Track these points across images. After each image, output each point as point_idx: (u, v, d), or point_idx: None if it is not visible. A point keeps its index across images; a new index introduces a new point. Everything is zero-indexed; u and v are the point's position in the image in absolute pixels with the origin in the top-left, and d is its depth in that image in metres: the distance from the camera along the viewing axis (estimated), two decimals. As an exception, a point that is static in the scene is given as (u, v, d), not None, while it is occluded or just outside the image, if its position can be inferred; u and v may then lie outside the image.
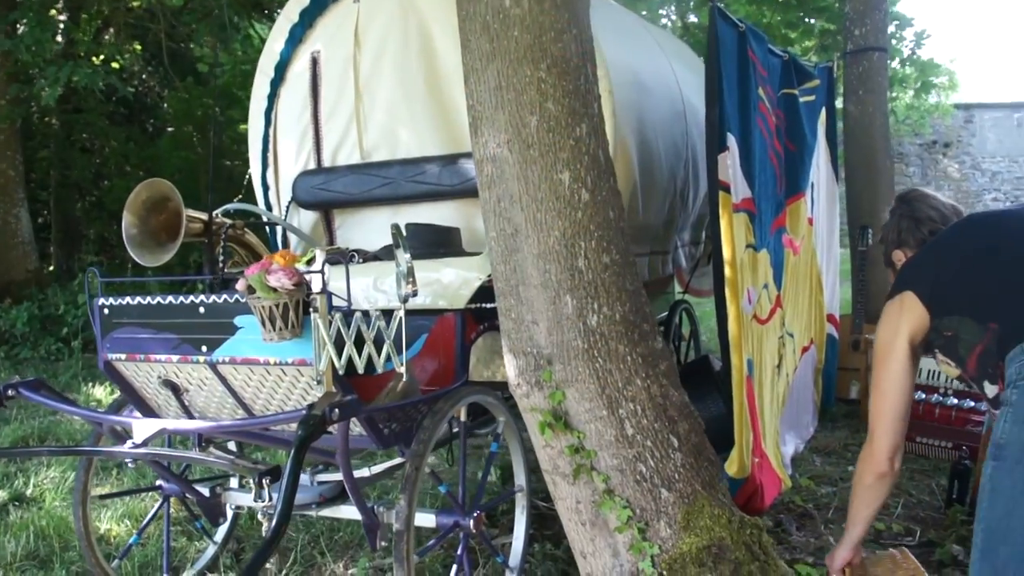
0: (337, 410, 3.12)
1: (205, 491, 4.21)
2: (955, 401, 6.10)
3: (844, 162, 8.48)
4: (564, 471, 3.26)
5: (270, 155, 5.74)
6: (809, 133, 6.37)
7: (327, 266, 3.45)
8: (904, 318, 2.96)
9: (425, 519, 3.91)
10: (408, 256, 3.31)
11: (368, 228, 5.51)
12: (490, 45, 3.12)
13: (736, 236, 4.91)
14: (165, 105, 17.66)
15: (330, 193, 5.40)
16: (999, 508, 2.38)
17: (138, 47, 16.07)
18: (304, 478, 4.06)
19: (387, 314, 4.22)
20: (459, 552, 3.86)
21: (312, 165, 5.61)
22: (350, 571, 4.65)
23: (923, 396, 6.21)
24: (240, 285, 3.39)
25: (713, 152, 4.73)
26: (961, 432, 5.96)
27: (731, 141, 4.84)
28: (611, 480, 3.23)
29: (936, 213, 3.33)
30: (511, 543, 4.35)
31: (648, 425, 3.24)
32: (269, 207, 5.76)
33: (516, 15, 3.07)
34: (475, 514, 3.84)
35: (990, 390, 2.61)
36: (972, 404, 6.03)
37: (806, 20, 10.15)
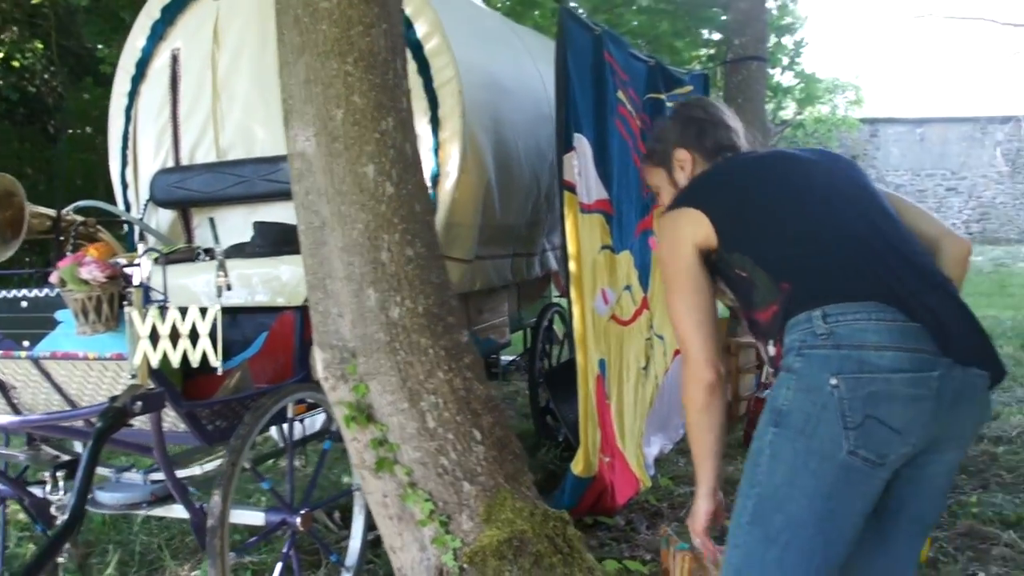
0: (140, 402, 3.07)
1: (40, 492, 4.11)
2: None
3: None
4: (370, 464, 3.24)
5: (130, 152, 5.65)
6: (677, 138, 6.44)
7: (146, 260, 3.41)
8: (690, 228, 2.54)
9: (253, 517, 3.87)
10: (220, 250, 3.30)
11: (225, 226, 5.45)
12: (300, 38, 3.11)
13: (586, 236, 4.96)
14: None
15: (186, 191, 5.34)
16: (778, 476, 2.29)
17: (40, 45, 15.72)
18: (137, 476, 4.00)
19: (231, 311, 4.18)
20: (285, 550, 3.82)
21: (171, 163, 5.54)
22: (193, 573, 4.58)
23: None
24: (53, 278, 3.34)
25: (559, 152, 4.76)
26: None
27: (579, 142, 4.89)
28: (414, 473, 3.22)
29: (736, 127, 2.91)
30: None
31: (450, 418, 3.23)
32: (128, 205, 5.67)
33: (325, 8, 3.06)
34: (302, 511, 3.80)
35: (772, 350, 2.49)
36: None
37: (694, 30, 10.29)
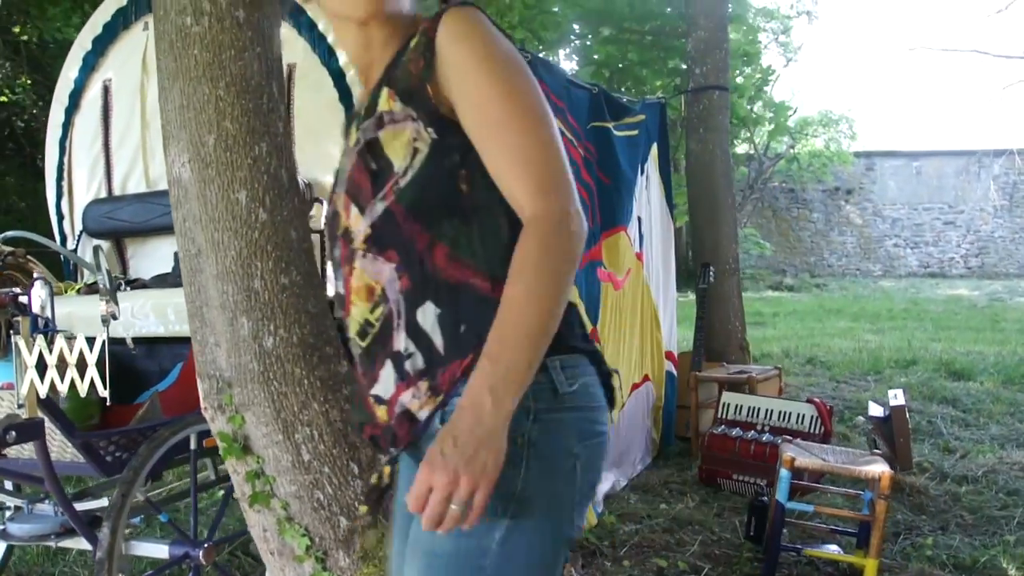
0: (13, 432, 2.98)
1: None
2: (770, 438, 6.06)
3: (687, 200, 8.53)
4: (247, 497, 3.13)
5: (65, 183, 5.59)
6: (628, 167, 6.36)
7: (38, 287, 3.32)
8: None
9: (157, 550, 3.76)
10: (106, 278, 3.20)
11: (156, 257, 5.38)
12: (174, 64, 3.01)
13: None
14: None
15: (117, 222, 5.26)
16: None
17: (28, 82, 15.79)
18: (48, 508, 3.92)
19: (148, 341, 4.09)
20: None
21: (103, 194, 5.47)
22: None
23: (740, 433, 6.18)
24: (-54, 307, 3.28)
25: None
26: (772, 468, 5.92)
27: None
28: (291, 507, 3.08)
29: None
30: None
31: (326, 451, 3.08)
32: (64, 236, 5.60)
33: (196, 33, 2.97)
34: (205, 545, 3.70)
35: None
36: (788, 440, 6.02)
37: (660, 59, 10.26)
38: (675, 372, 7.51)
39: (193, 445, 3.78)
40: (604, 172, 6.05)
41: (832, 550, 4.87)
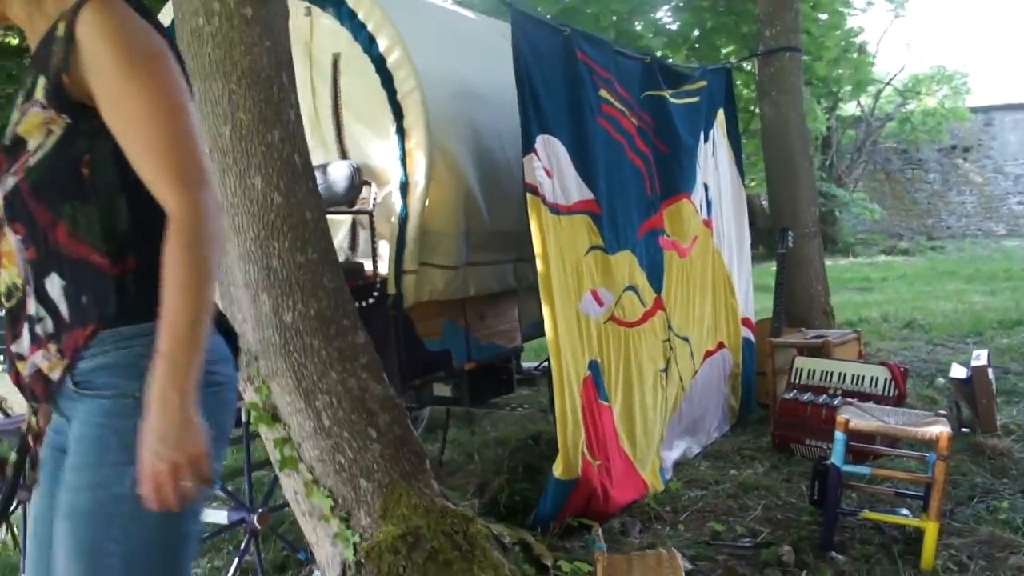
0: None
1: None
2: (841, 401, 5.97)
3: (765, 165, 8.40)
4: (277, 462, 3.33)
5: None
6: (687, 134, 6.35)
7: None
8: None
9: (217, 516, 4.05)
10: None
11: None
12: (192, 62, 3.23)
13: (565, 238, 4.93)
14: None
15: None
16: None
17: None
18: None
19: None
20: (242, 547, 4.00)
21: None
22: None
23: (812, 397, 6.12)
24: None
25: (522, 155, 4.75)
26: (842, 432, 5.86)
27: (547, 143, 4.85)
28: (315, 470, 3.31)
29: None
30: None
31: (345, 417, 3.30)
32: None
33: (208, 32, 3.18)
34: (260, 510, 3.93)
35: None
36: (861, 404, 5.93)
37: (735, 24, 10.09)
38: (753, 339, 7.46)
39: (244, 418, 3.96)
40: (662, 141, 6.05)
41: (903, 514, 4.78)
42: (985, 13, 61.52)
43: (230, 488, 4.15)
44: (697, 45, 11.31)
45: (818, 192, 22.08)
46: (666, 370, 5.94)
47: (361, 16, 5.02)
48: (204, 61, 3.21)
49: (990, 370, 6.47)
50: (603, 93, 5.41)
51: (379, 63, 4.95)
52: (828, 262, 20.58)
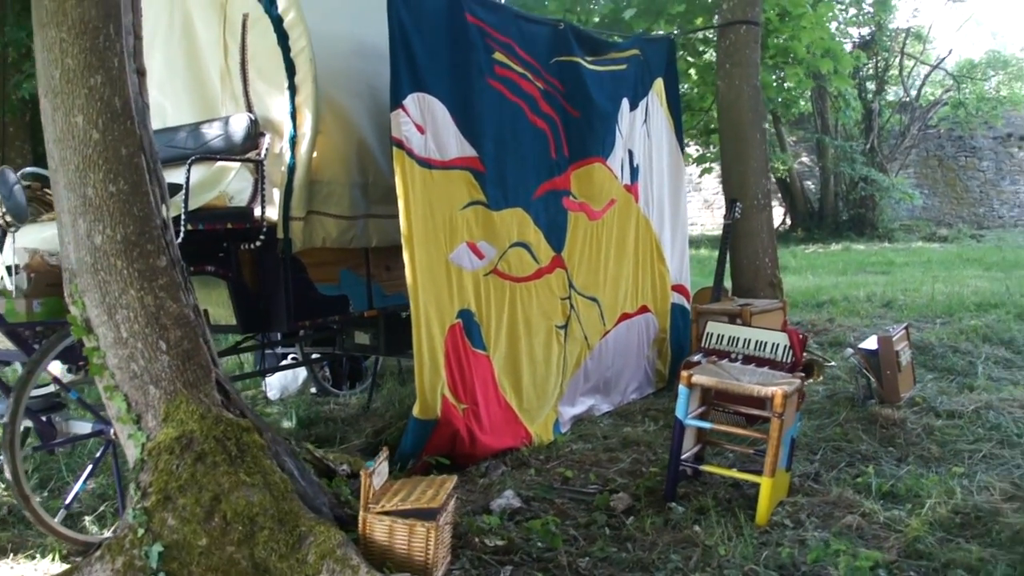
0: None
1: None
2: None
3: (719, 137, 8.50)
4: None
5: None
6: (605, 100, 6.52)
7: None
8: None
9: (81, 427, 4.47)
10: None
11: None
12: (36, 13, 3.69)
13: (437, 192, 5.19)
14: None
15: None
16: None
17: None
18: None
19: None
20: (98, 455, 4.42)
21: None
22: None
23: (715, 360, 6.26)
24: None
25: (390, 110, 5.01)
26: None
27: (420, 100, 5.10)
28: (115, 377, 3.72)
29: None
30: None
31: (140, 330, 3.68)
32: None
33: (46, -14, 3.60)
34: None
35: None
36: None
37: None
38: (687, 305, 7.61)
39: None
40: (572, 104, 6.24)
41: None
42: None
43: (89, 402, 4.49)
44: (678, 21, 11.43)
45: (860, 176, 22.06)
46: (565, 327, 6.15)
47: (264, -22, 5.33)
48: (42, 13, 3.65)
49: (903, 344, 6.56)
50: (498, 56, 5.62)
51: (277, 23, 5.25)
52: (861, 246, 20.57)
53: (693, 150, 21.08)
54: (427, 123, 5.14)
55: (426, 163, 5.12)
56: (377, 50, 5.55)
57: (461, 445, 5.18)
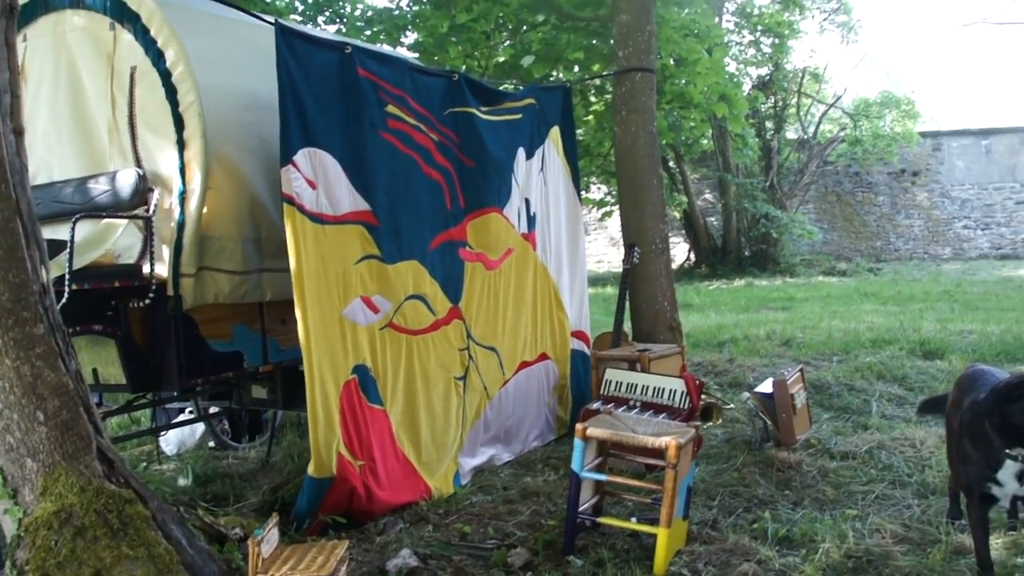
0: None
1: None
2: (637, 413, 6.18)
3: (617, 182, 8.61)
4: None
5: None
6: (500, 150, 6.55)
7: None
8: None
9: None
10: None
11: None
12: None
13: (330, 246, 5.15)
14: None
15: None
16: None
17: None
18: None
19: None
20: None
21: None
22: None
23: (612, 408, 6.29)
24: None
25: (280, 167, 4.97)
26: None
27: (312, 156, 5.08)
28: None
29: None
30: None
31: (16, 401, 3.55)
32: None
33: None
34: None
35: None
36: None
37: (599, 44, 10.35)
38: (587, 351, 7.65)
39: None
40: (466, 155, 6.25)
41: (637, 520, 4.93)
42: (934, 41, 62.07)
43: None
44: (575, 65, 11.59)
45: (761, 213, 22.55)
46: (464, 378, 6.13)
47: (152, 32, 5.28)
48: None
49: (797, 386, 6.67)
50: (391, 108, 5.62)
51: (165, 77, 5.19)
52: (763, 282, 20.98)
53: (598, 191, 21.34)
54: (319, 178, 5.11)
55: (318, 218, 5.08)
56: (269, 103, 5.50)
57: (358, 502, 5.12)
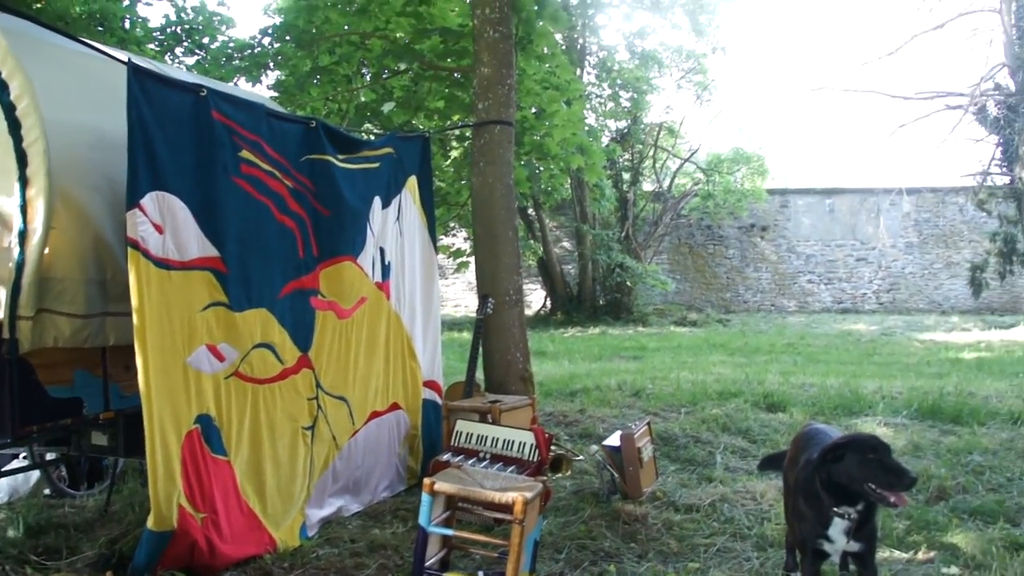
0: None
1: None
2: (487, 465, 6.19)
3: (473, 232, 8.65)
4: None
5: None
6: (356, 198, 6.51)
7: None
8: None
9: None
10: None
11: None
12: None
13: (175, 293, 5.02)
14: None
15: None
16: None
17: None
18: None
19: None
20: None
21: None
22: None
23: (462, 460, 6.29)
24: None
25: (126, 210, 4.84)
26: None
27: (159, 199, 4.97)
28: None
29: None
30: None
31: None
32: None
33: None
34: None
35: None
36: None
37: (461, 95, 10.49)
38: (439, 400, 7.64)
39: None
40: (322, 203, 6.19)
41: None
42: (784, 102, 65.14)
43: None
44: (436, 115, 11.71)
45: (616, 263, 23.03)
46: (312, 428, 6.04)
47: (-8, 63, 5.07)
48: None
49: (644, 440, 6.78)
50: (245, 154, 5.54)
51: (9, 110, 5.00)
52: (617, 330, 21.37)
53: (461, 239, 21.42)
54: (166, 222, 4.99)
55: (164, 264, 4.96)
56: (118, 142, 5.34)
57: (200, 556, 4.96)
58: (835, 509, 4.17)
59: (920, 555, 5.46)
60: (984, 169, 23.71)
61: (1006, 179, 23.42)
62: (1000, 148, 23.21)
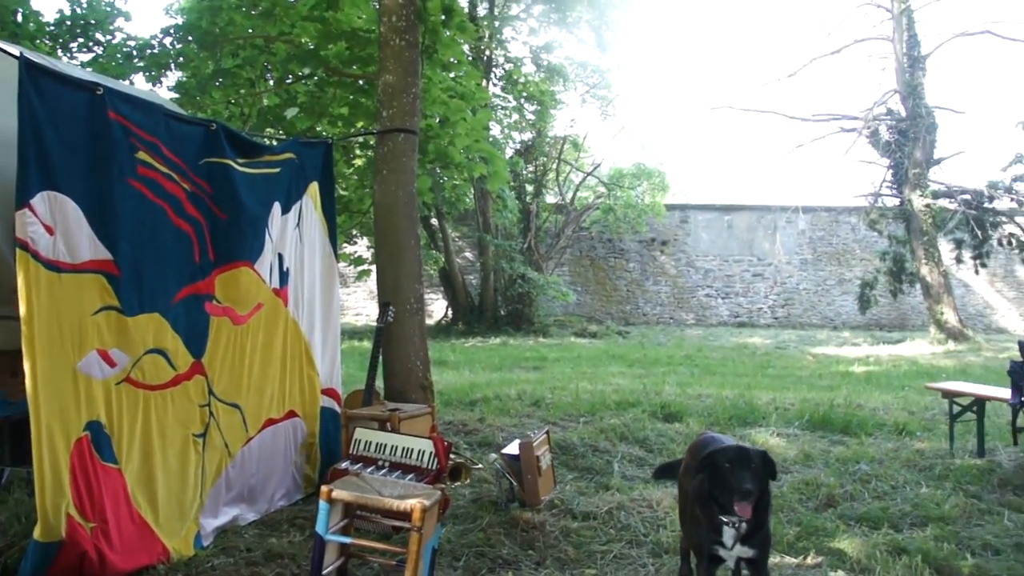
0: None
1: None
2: (386, 473, 6.14)
3: (375, 240, 8.61)
4: None
5: None
6: (254, 203, 6.41)
7: None
8: None
9: None
10: None
11: None
12: None
13: (65, 296, 4.89)
14: None
15: None
16: None
17: None
18: None
19: None
20: None
21: None
22: None
23: (360, 468, 6.22)
24: None
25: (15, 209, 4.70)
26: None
27: (50, 200, 4.83)
28: None
29: None
30: None
31: None
32: None
33: None
34: None
35: None
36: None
37: (367, 102, 10.46)
38: (338, 408, 7.57)
39: None
40: (220, 207, 6.09)
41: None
42: (685, 119, 66.46)
43: None
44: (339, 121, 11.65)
45: (518, 273, 23.13)
46: (204, 435, 5.93)
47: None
48: None
49: (543, 448, 6.81)
50: (141, 155, 5.42)
51: None
52: (517, 341, 21.44)
53: (363, 247, 21.27)
54: (57, 223, 4.86)
55: (54, 266, 4.82)
56: (8, 140, 5.22)
57: (90, 567, 4.83)
58: (722, 517, 4.26)
59: (809, 560, 5.60)
60: (876, 190, 24.56)
61: (896, 200, 24.28)
62: (891, 171, 24.10)
